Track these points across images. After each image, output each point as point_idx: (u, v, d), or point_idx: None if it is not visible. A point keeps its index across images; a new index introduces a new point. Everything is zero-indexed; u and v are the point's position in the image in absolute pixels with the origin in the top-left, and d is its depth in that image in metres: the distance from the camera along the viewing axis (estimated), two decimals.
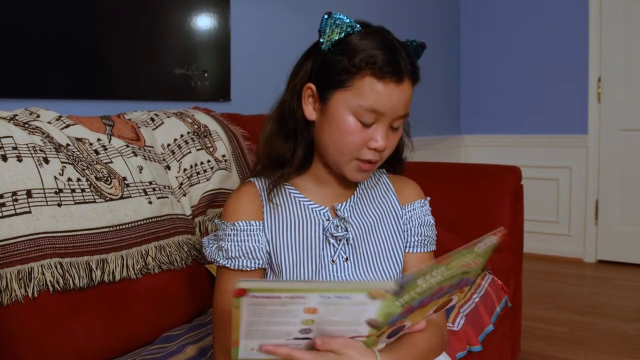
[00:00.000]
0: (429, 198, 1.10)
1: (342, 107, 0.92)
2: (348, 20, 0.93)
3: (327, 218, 1.00)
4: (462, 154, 4.13)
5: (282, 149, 0.98)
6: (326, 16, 0.93)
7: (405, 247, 1.04)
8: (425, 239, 1.05)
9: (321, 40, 0.95)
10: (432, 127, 3.68)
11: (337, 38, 0.93)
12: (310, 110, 0.97)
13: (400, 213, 1.05)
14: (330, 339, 0.77)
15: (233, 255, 0.96)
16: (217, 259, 0.97)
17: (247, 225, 0.97)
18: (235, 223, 0.97)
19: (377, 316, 0.74)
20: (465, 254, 0.75)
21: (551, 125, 3.82)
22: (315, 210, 1.00)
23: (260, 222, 0.98)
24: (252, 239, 0.97)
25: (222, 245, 0.97)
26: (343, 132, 0.93)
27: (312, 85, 0.96)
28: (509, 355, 1.84)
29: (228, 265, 0.96)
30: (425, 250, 1.05)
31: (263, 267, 0.98)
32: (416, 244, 1.04)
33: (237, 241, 0.96)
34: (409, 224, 1.05)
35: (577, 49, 3.67)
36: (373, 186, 1.07)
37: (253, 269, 0.97)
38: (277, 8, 2.37)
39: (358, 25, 0.94)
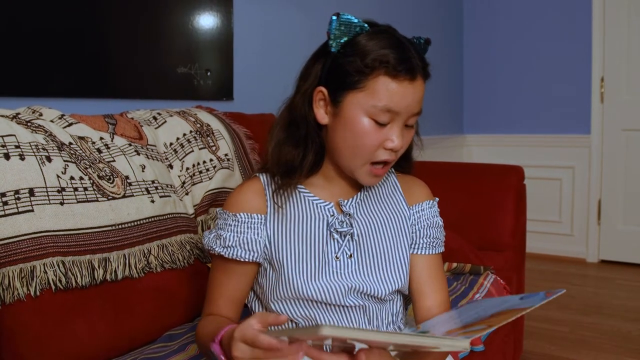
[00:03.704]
0: (437, 199, 1.08)
1: (356, 108, 0.91)
2: (356, 21, 0.92)
3: (331, 213, 0.99)
4: (465, 154, 4.13)
5: (292, 155, 0.97)
6: (334, 17, 0.92)
7: (413, 248, 1.03)
8: (434, 241, 1.04)
9: (330, 41, 0.93)
10: (435, 127, 3.67)
11: (345, 39, 0.92)
12: (322, 114, 0.96)
13: (408, 213, 1.05)
14: (369, 353, 0.77)
15: (230, 244, 0.96)
16: (214, 247, 0.98)
17: (248, 218, 0.97)
18: (237, 214, 0.97)
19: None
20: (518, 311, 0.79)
21: (554, 125, 3.81)
22: (320, 206, 1.00)
23: (263, 215, 0.98)
24: (252, 231, 0.97)
25: (221, 233, 0.97)
26: (358, 134, 0.92)
27: (324, 89, 0.95)
28: (511, 355, 1.84)
29: (223, 254, 0.96)
30: (433, 252, 1.04)
31: (257, 261, 0.98)
32: (424, 245, 1.03)
33: (237, 232, 0.96)
34: (417, 225, 1.04)
35: (580, 49, 3.67)
36: (380, 184, 1.06)
37: (247, 260, 0.97)
38: (280, 7, 2.37)
39: (366, 25, 0.93)
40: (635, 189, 3.56)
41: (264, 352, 0.71)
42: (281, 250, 0.97)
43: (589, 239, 3.72)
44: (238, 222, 0.97)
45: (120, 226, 1.20)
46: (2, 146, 1.07)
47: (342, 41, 0.93)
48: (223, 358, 0.80)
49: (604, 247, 3.68)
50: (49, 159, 1.12)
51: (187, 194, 1.44)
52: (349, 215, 1.00)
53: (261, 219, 0.98)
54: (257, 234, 0.97)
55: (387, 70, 0.89)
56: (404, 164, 1.08)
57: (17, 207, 1.04)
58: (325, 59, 0.96)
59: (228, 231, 0.97)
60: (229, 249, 0.96)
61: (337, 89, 0.93)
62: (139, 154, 1.33)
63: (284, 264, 0.96)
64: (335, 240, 0.98)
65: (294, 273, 0.96)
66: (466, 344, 0.71)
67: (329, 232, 0.98)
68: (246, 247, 0.96)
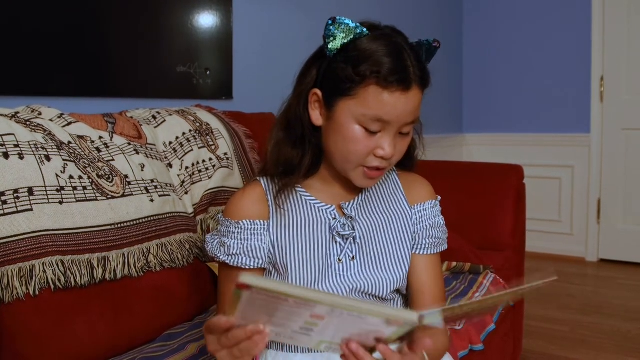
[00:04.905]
0: (439, 197, 1.08)
1: (347, 115, 0.90)
2: (353, 25, 0.90)
3: (333, 217, 0.99)
4: (465, 153, 4.13)
5: (290, 155, 0.97)
6: (330, 21, 0.90)
7: (416, 248, 1.03)
8: (436, 241, 1.04)
9: (326, 46, 0.92)
10: (434, 126, 3.67)
11: (342, 44, 0.91)
12: (317, 116, 0.96)
13: (410, 213, 1.04)
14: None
15: (234, 252, 0.96)
16: (218, 255, 0.97)
17: (251, 224, 0.97)
18: (240, 222, 0.97)
19: (388, 336, 0.73)
20: (506, 294, 0.72)
21: (554, 124, 3.81)
22: (322, 209, 1.00)
23: (266, 221, 0.98)
24: (255, 238, 0.96)
25: (225, 241, 0.97)
26: (348, 140, 0.91)
27: (318, 91, 0.94)
28: (510, 354, 1.84)
29: (228, 262, 0.96)
30: (436, 252, 1.04)
31: (263, 267, 0.98)
32: (427, 246, 1.03)
33: (241, 239, 0.96)
34: (419, 225, 1.03)
35: (580, 48, 3.67)
36: (381, 184, 1.06)
37: (253, 267, 0.96)
38: (280, 6, 2.37)
39: (364, 29, 0.90)
40: (635, 188, 3.56)
41: (226, 338, 0.70)
42: (285, 255, 0.97)
43: (589, 238, 3.72)
44: (241, 229, 0.96)
45: (119, 225, 1.19)
46: (1, 145, 1.07)
47: (338, 46, 0.91)
48: None
49: (603, 247, 3.68)
50: (48, 158, 1.12)
51: (186, 193, 1.44)
52: (351, 218, 1.00)
53: (264, 225, 0.97)
54: (261, 240, 0.96)
55: (378, 80, 0.87)
56: (406, 163, 1.07)
57: (16, 207, 1.04)
58: (322, 62, 0.95)
59: (231, 239, 0.96)
60: (233, 257, 0.96)
61: (330, 93, 0.93)
62: (138, 153, 1.33)
63: (288, 268, 0.96)
64: (338, 244, 0.98)
65: (297, 277, 0.96)
66: (414, 317, 0.67)
67: (331, 235, 0.98)
68: (251, 255, 0.96)
